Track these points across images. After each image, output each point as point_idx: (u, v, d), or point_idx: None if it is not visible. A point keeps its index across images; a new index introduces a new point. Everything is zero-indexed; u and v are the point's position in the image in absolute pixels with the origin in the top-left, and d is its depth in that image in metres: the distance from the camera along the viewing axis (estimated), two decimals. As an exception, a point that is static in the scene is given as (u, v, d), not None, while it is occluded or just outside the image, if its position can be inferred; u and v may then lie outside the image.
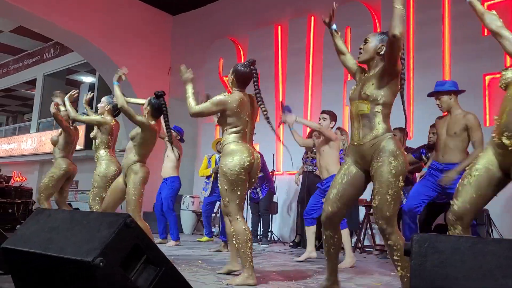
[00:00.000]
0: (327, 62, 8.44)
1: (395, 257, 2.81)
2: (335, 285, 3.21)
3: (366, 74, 3.08)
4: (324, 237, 3.08)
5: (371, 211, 4.84)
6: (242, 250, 3.55)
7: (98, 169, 4.99)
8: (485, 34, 6.85)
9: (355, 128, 3.00)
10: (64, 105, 5.45)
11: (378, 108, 2.90)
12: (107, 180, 4.92)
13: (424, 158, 5.68)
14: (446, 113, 4.65)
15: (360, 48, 3.08)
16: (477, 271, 1.36)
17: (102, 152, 5.07)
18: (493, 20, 2.77)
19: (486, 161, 2.61)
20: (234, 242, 3.66)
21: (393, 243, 2.80)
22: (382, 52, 2.98)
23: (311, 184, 6.49)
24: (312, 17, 8.91)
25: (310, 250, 5.36)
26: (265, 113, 3.74)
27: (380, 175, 2.81)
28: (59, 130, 6.06)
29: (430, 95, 4.78)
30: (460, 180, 2.71)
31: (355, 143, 2.98)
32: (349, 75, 7.94)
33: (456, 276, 1.38)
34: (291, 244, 7.29)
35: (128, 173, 4.40)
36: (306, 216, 5.33)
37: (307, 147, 6.64)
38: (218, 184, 3.70)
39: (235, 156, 3.61)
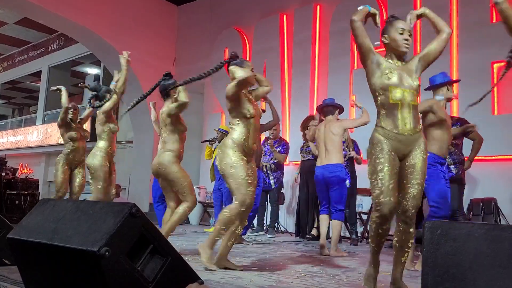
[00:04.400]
0: (333, 52, 8.38)
1: (409, 244, 2.93)
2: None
3: (397, 63, 2.99)
4: (380, 231, 2.86)
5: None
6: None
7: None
8: (493, 21, 6.77)
9: (404, 117, 2.85)
10: None
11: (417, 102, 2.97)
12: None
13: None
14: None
15: (408, 39, 3.05)
16: (493, 258, 1.33)
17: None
18: None
19: None
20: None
21: (414, 230, 2.91)
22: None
23: (308, 172, 6.50)
24: (318, 6, 8.84)
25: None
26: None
27: (422, 166, 2.86)
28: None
29: (428, 89, 4.64)
30: None
31: (406, 133, 2.84)
32: (355, 64, 7.99)
33: (470, 264, 1.35)
34: (308, 237, 6.84)
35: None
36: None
37: (304, 137, 6.67)
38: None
39: (226, 152, 3.78)
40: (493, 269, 1.32)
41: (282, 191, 7.71)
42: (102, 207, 2.21)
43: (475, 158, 5.53)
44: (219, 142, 7.19)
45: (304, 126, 6.63)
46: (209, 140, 7.48)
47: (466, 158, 5.34)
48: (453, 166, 5.13)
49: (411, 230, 2.88)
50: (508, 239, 1.32)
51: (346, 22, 9.02)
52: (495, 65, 6.66)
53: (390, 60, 3.00)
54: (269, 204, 7.35)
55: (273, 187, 7.10)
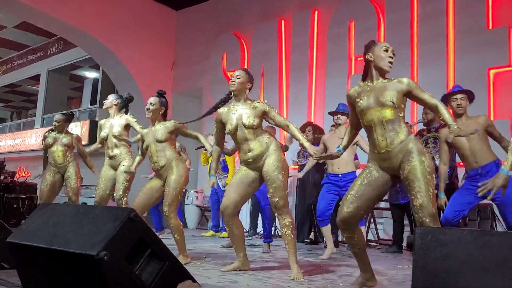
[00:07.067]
0: (331, 56, 8.42)
1: None
2: (370, 281, 3.19)
3: (371, 83, 3.08)
4: (344, 239, 3.15)
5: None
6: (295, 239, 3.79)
7: (125, 165, 5.11)
8: (490, 27, 6.83)
9: (379, 135, 2.98)
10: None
11: (401, 113, 2.99)
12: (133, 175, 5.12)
13: None
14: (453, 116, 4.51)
15: (392, 57, 3.07)
16: (482, 263, 1.36)
17: (123, 150, 5.21)
18: None
19: None
20: (290, 232, 3.73)
21: None
22: None
23: (305, 178, 6.51)
24: (316, 12, 8.89)
25: (331, 248, 5.25)
26: None
27: (418, 174, 2.83)
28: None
29: (462, 91, 4.42)
30: None
31: (383, 151, 2.98)
32: (353, 69, 8.03)
33: (460, 269, 1.38)
34: (306, 241, 6.92)
35: (171, 166, 4.44)
36: (322, 218, 5.16)
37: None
38: (275, 179, 3.73)
39: (283, 155, 3.90)
40: (482, 274, 1.35)
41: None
42: (101, 212, 2.24)
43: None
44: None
45: (302, 132, 6.66)
46: (203, 146, 7.49)
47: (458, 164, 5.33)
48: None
49: None
50: (497, 245, 1.35)
51: (344, 27, 9.07)
52: (492, 71, 6.70)
53: (371, 80, 3.10)
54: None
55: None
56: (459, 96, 4.29)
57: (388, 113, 2.95)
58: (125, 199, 4.99)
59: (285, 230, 3.72)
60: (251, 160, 3.85)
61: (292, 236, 3.71)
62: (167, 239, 6.67)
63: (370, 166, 3.06)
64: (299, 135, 3.80)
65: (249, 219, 7.92)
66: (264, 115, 3.87)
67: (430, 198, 2.78)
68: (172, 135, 4.51)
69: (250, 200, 7.06)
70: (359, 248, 3.09)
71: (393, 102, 2.93)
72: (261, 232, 7.53)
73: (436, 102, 2.96)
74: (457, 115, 4.25)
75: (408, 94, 2.98)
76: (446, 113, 2.91)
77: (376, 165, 3.04)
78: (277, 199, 3.70)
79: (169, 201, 4.30)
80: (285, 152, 6.14)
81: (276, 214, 3.81)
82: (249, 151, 3.85)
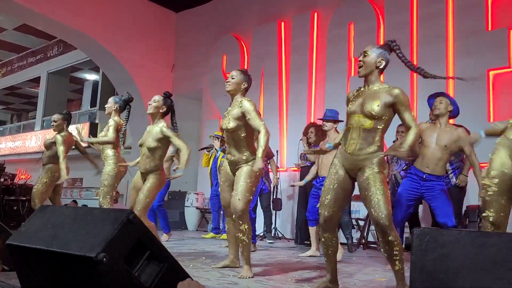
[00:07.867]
0: (330, 58, 8.43)
1: (395, 252, 2.90)
2: (333, 284, 3.25)
3: (365, 88, 3.12)
4: (322, 239, 3.17)
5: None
6: (250, 244, 3.87)
7: (107, 168, 5.03)
8: (489, 28, 6.83)
9: (352, 138, 3.05)
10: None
11: (380, 125, 3.00)
12: (117, 179, 5.04)
13: None
14: (433, 122, 4.60)
15: (360, 61, 3.11)
16: (480, 264, 1.36)
17: (110, 152, 5.10)
18: None
19: (499, 165, 2.84)
20: (245, 238, 3.80)
21: (394, 238, 2.89)
22: (381, 67, 3.07)
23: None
24: (316, 13, 8.89)
25: (314, 250, 5.48)
26: None
27: (376, 181, 2.92)
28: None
29: (436, 93, 4.69)
30: (482, 191, 2.88)
31: (349, 152, 3.05)
32: (352, 70, 8.04)
33: (458, 269, 1.38)
34: (307, 242, 6.70)
35: (150, 176, 4.43)
36: (310, 217, 5.42)
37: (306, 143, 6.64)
38: (242, 181, 3.80)
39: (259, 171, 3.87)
40: (480, 274, 1.35)
41: (279, 196, 7.71)
42: (100, 213, 2.24)
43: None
44: (215, 148, 7.20)
45: (305, 133, 6.66)
46: (206, 148, 7.50)
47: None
48: (452, 175, 5.26)
49: (390, 238, 2.89)
50: (495, 245, 1.36)
51: (344, 28, 9.08)
52: (491, 72, 6.70)
53: (365, 86, 3.17)
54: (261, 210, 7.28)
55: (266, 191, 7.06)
56: (438, 98, 4.54)
57: (367, 122, 2.99)
58: (107, 205, 4.89)
59: (239, 234, 3.83)
60: (229, 161, 4.00)
61: (246, 241, 3.80)
62: (173, 240, 6.69)
63: (336, 164, 3.14)
64: (261, 145, 3.72)
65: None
66: (244, 116, 3.81)
67: (387, 198, 2.89)
68: (160, 143, 4.41)
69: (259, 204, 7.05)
70: (332, 250, 3.18)
71: (373, 114, 2.96)
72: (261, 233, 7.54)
73: (412, 126, 2.99)
74: (435, 116, 4.52)
75: (393, 106, 2.99)
76: (410, 138, 2.96)
77: (340, 162, 3.12)
78: (238, 199, 3.80)
79: (141, 206, 4.31)
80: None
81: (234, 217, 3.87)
82: (229, 153, 3.97)
